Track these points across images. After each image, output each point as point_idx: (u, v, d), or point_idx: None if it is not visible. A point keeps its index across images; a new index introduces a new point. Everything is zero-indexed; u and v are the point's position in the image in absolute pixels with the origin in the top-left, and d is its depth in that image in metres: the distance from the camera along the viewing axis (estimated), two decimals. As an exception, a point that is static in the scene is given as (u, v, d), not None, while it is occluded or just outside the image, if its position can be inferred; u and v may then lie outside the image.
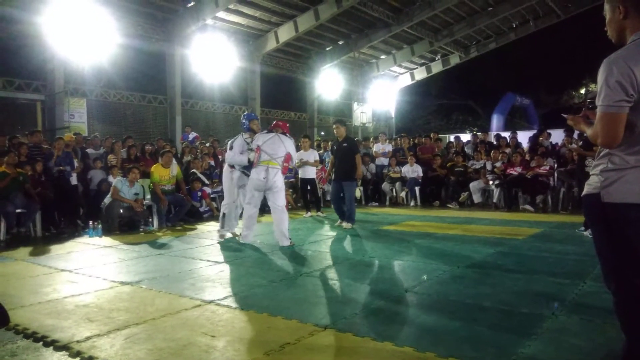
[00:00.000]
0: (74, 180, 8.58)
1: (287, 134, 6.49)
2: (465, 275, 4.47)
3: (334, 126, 8.17)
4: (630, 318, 2.12)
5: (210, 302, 3.71)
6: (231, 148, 6.62)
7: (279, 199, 6.15)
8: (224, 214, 6.77)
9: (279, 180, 6.14)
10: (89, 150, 9.83)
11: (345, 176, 7.78)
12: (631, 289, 2.09)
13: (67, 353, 2.76)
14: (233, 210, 6.78)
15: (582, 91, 29.22)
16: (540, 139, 11.48)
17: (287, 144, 6.28)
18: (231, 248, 6.12)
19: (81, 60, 12.31)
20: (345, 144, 7.86)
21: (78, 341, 2.92)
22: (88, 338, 2.98)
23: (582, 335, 2.89)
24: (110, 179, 8.49)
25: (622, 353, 2.17)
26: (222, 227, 6.79)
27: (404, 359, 2.60)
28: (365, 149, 13.04)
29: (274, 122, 6.70)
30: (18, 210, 7.21)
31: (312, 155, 9.70)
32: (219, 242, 6.52)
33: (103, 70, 13.14)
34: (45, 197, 7.75)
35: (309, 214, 9.42)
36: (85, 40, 11.73)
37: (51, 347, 2.86)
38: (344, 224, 7.68)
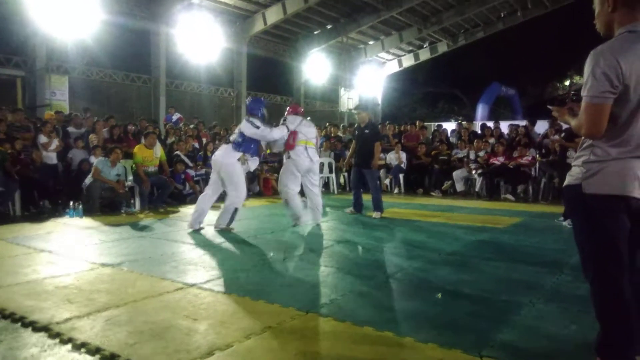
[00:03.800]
0: (53, 159, 8.45)
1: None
2: (447, 262, 4.53)
3: (355, 111, 8.12)
4: (605, 307, 2.18)
5: (192, 285, 3.70)
6: (258, 127, 6.00)
7: (316, 180, 6.54)
8: (236, 209, 5.99)
9: (317, 161, 6.50)
10: (70, 129, 9.65)
11: (365, 164, 7.57)
12: (608, 279, 2.14)
13: (47, 334, 2.74)
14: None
15: (567, 83, 29.52)
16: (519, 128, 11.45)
17: (312, 127, 6.55)
18: (213, 233, 6.09)
19: (64, 37, 12.03)
20: (367, 130, 7.59)
21: (57, 322, 2.89)
22: (68, 319, 2.95)
23: (558, 323, 2.96)
24: (92, 159, 8.36)
25: (595, 341, 2.23)
26: (230, 223, 6.04)
27: (384, 343, 2.64)
28: (350, 135, 13.03)
29: (289, 107, 6.74)
30: (-4, 189, 7.08)
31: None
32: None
33: (86, 47, 12.87)
34: (25, 176, 7.60)
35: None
36: (69, 16, 11.45)
37: (30, 328, 2.82)
38: (374, 214, 7.39)
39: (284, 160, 6.47)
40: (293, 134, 6.25)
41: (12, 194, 7.29)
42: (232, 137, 6.19)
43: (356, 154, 7.83)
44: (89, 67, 14.01)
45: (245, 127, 6.08)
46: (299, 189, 6.41)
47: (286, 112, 6.63)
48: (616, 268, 2.11)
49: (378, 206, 7.46)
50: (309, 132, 6.38)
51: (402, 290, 3.72)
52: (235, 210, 5.98)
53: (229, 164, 5.95)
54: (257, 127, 6.03)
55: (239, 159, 5.96)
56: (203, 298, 3.40)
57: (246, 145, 6.06)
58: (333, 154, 11.73)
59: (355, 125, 8.45)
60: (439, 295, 3.47)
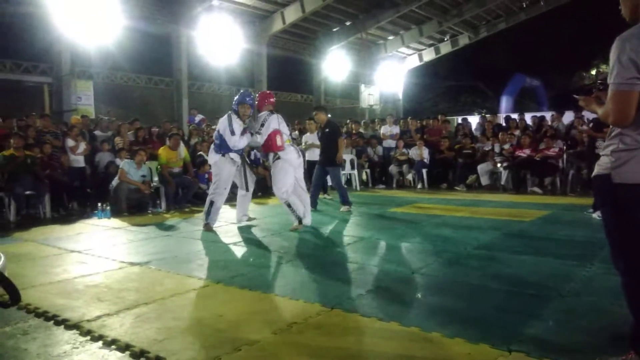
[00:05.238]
0: (81, 162, 8.65)
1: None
2: (472, 257, 4.47)
3: (313, 113, 8.10)
4: (638, 299, 2.11)
5: (218, 282, 3.74)
6: (233, 133, 5.91)
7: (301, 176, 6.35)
8: (211, 203, 6.10)
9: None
10: (97, 133, 9.85)
11: (328, 162, 7.69)
12: (639, 270, 2.08)
13: (78, 332, 2.80)
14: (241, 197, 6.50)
15: (593, 72, 28.78)
16: (554, 122, 11.27)
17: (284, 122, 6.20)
18: (237, 230, 6.14)
19: (88, 43, 12.28)
20: (327, 130, 7.79)
21: (88, 320, 2.96)
22: (98, 317, 3.02)
23: (589, 316, 2.89)
24: (118, 161, 8.53)
25: (629, 335, 2.17)
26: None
27: (411, 339, 2.62)
28: (372, 131, 13.02)
29: (259, 97, 6.22)
30: (27, 192, 7.28)
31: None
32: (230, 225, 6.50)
33: (109, 52, 13.11)
34: (54, 179, 7.81)
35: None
36: (92, 22, 11.68)
37: (62, 326, 2.90)
38: (342, 208, 7.50)
39: (272, 162, 6.04)
40: (279, 135, 5.89)
41: (42, 197, 7.50)
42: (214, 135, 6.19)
43: (320, 153, 8.04)
44: (112, 72, 14.30)
45: (221, 125, 6.00)
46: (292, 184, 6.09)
47: (257, 103, 6.13)
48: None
49: (345, 200, 7.59)
50: (286, 128, 6.13)
51: (428, 286, 3.68)
52: (211, 203, 6.03)
53: (212, 164, 6.16)
54: (233, 133, 5.90)
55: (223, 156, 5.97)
56: (229, 295, 3.43)
57: (226, 147, 5.96)
58: (355, 150, 11.68)
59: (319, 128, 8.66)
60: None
